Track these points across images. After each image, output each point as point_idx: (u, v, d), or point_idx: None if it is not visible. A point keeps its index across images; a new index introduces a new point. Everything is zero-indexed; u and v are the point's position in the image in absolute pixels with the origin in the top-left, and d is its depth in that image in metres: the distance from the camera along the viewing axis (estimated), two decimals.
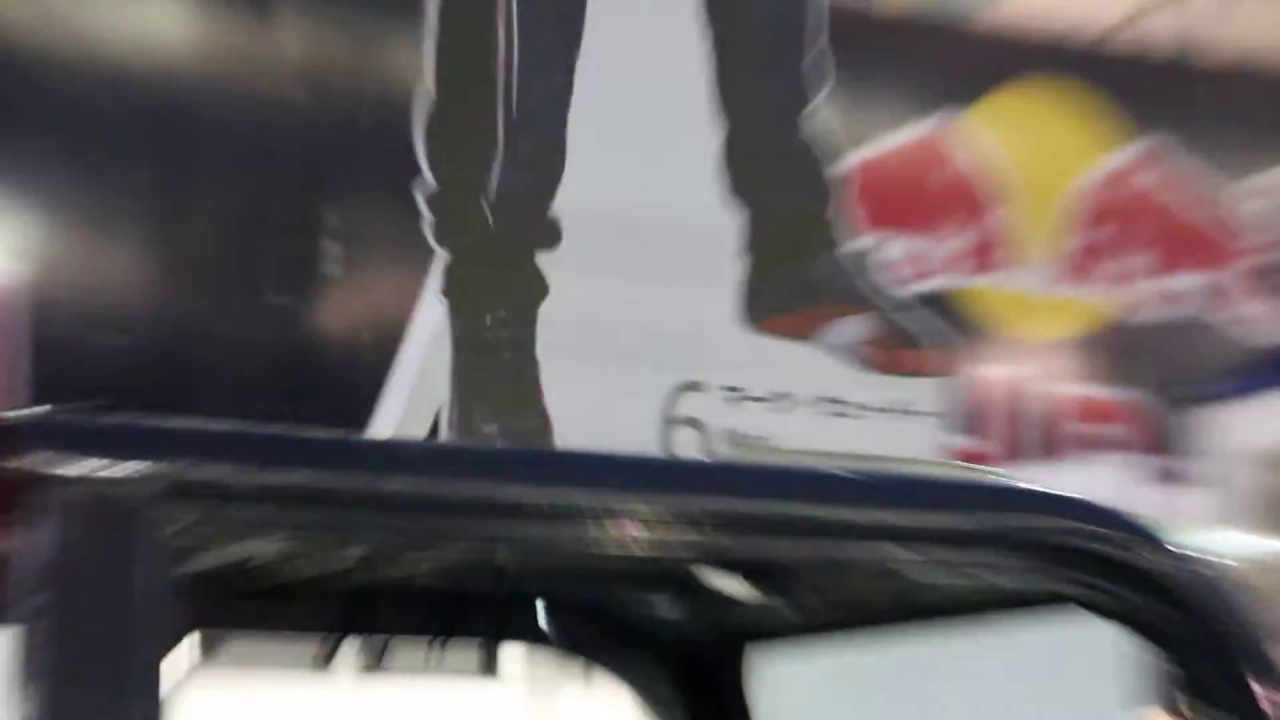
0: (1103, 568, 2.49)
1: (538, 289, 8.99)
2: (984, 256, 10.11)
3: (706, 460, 8.04)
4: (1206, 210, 10.43)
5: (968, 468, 9.03)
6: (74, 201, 8.79)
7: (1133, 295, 10.15)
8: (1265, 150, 10.49)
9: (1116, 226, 10.12)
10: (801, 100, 9.42)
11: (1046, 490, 2.65)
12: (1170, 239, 10.40)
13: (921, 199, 9.82)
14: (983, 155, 9.83)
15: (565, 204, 9.00)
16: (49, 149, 8.84)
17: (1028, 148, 10.15)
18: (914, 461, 8.15)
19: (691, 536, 2.36)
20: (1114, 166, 10.16)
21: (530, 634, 3.38)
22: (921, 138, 9.72)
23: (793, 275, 9.66)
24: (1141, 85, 10.51)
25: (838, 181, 9.43)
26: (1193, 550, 2.49)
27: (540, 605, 3.30)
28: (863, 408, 9.44)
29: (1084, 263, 9.99)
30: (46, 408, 2.04)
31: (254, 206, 9.11)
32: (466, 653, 5.58)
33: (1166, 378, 9.85)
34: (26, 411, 1.99)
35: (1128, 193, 10.20)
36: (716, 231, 9.35)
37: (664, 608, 3.23)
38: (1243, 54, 10.90)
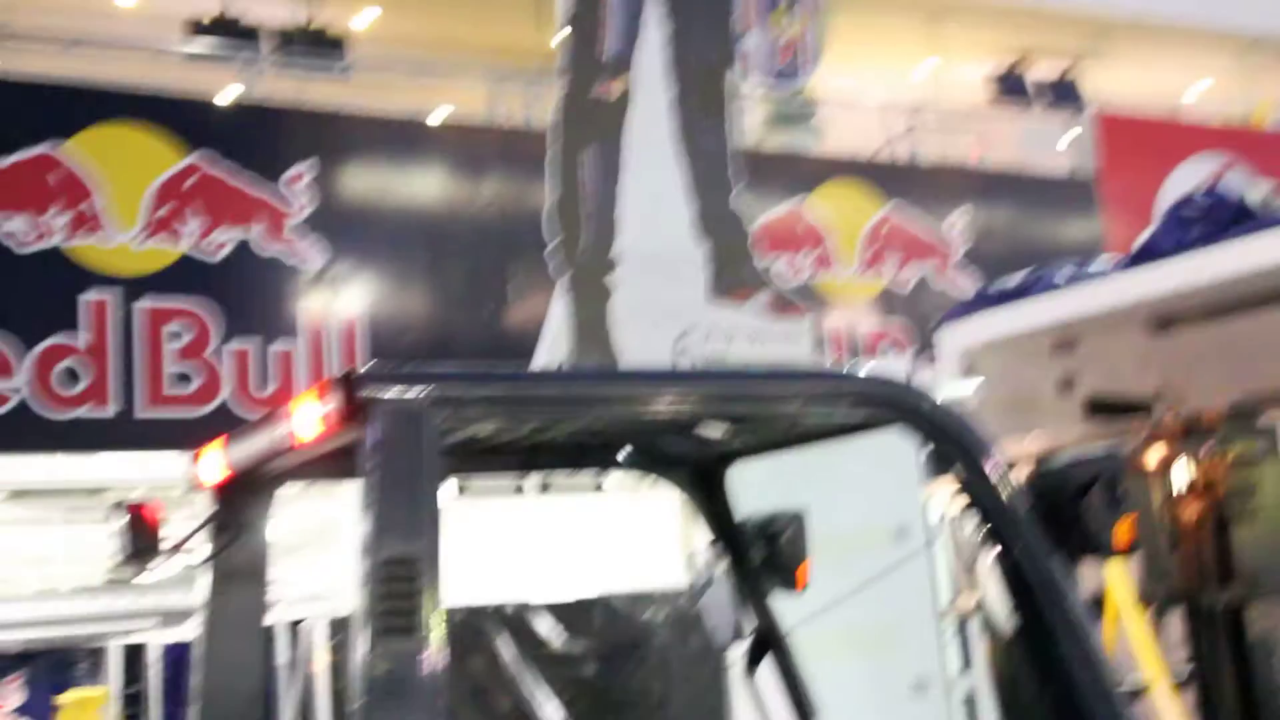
0: (898, 407, 3.61)
1: (606, 293, 13.61)
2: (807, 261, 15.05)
3: (693, 370, 10.50)
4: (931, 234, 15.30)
5: (829, 365, 13.53)
6: (391, 271, 13.24)
7: (894, 277, 15.38)
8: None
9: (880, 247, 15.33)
10: (729, 188, 14.21)
11: (868, 372, 4.07)
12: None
13: (790, 239, 14.69)
14: (816, 219, 14.92)
15: (619, 248, 13.76)
16: (380, 247, 13.25)
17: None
18: (799, 363, 13.21)
19: (690, 409, 3.66)
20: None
21: (619, 465, 4.43)
22: (789, 210, 14.80)
23: (732, 274, 14.28)
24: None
25: (752, 230, 14.40)
26: (934, 396, 3.63)
27: (623, 450, 4.34)
28: (763, 337, 14.13)
29: (873, 260, 15.15)
30: (374, 364, 3.17)
31: (479, 270, 13.55)
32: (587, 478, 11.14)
33: (921, 314, 14.31)
34: (366, 367, 3.00)
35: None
36: (694, 255, 14.11)
37: (682, 445, 4.24)
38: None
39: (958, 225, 15.59)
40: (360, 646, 2.71)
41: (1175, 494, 3.61)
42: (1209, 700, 3.82)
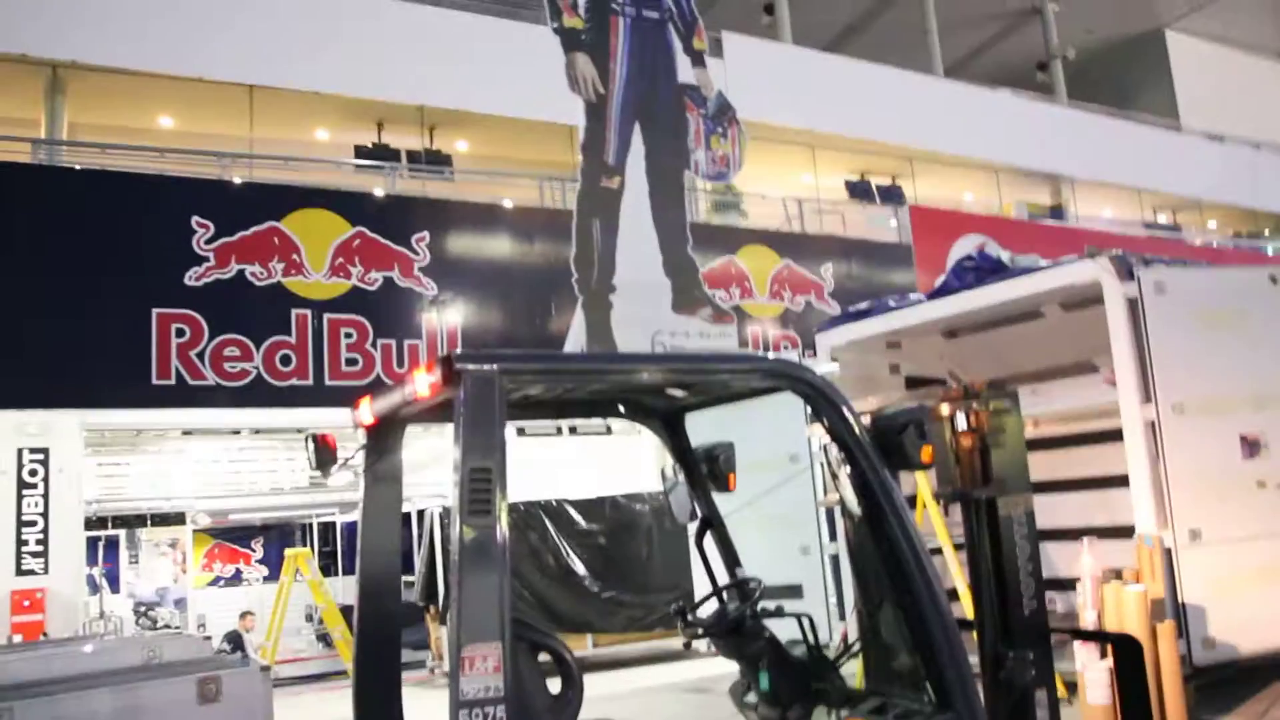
0: (793, 378, 3.41)
1: (608, 308, 13.65)
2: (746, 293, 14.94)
3: (663, 354, 11.95)
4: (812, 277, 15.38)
5: (746, 351, 13.73)
6: (476, 298, 13.06)
7: (789, 301, 15.18)
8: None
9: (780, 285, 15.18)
10: (686, 243, 14.31)
11: (774, 358, 4.48)
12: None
13: (725, 279, 14.64)
14: (742, 267, 14.80)
15: (616, 280, 13.84)
16: (470, 282, 13.04)
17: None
18: (731, 351, 13.46)
19: (662, 378, 3.50)
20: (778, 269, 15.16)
21: (619, 414, 4.15)
22: (725, 261, 14.72)
23: (686, 297, 14.25)
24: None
25: (700, 271, 14.42)
26: (816, 371, 3.51)
27: (622, 405, 4.10)
28: (708, 335, 14.32)
29: (776, 292, 14.99)
30: (463, 350, 2.98)
31: (530, 296, 13.44)
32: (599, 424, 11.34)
33: (806, 325, 14.29)
34: (458, 351, 2.87)
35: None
36: (664, 284, 14.14)
37: (657, 402, 4.02)
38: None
39: (829, 271, 15.58)
40: (458, 523, 2.70)
41: (957, 431, 3.55)
42: (975, 560, 3.70)
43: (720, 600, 3.84)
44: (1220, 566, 7.44)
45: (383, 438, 3.52)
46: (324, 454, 3.45)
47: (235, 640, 12.05)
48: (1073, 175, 20.64)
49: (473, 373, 2.75)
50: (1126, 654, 3.63)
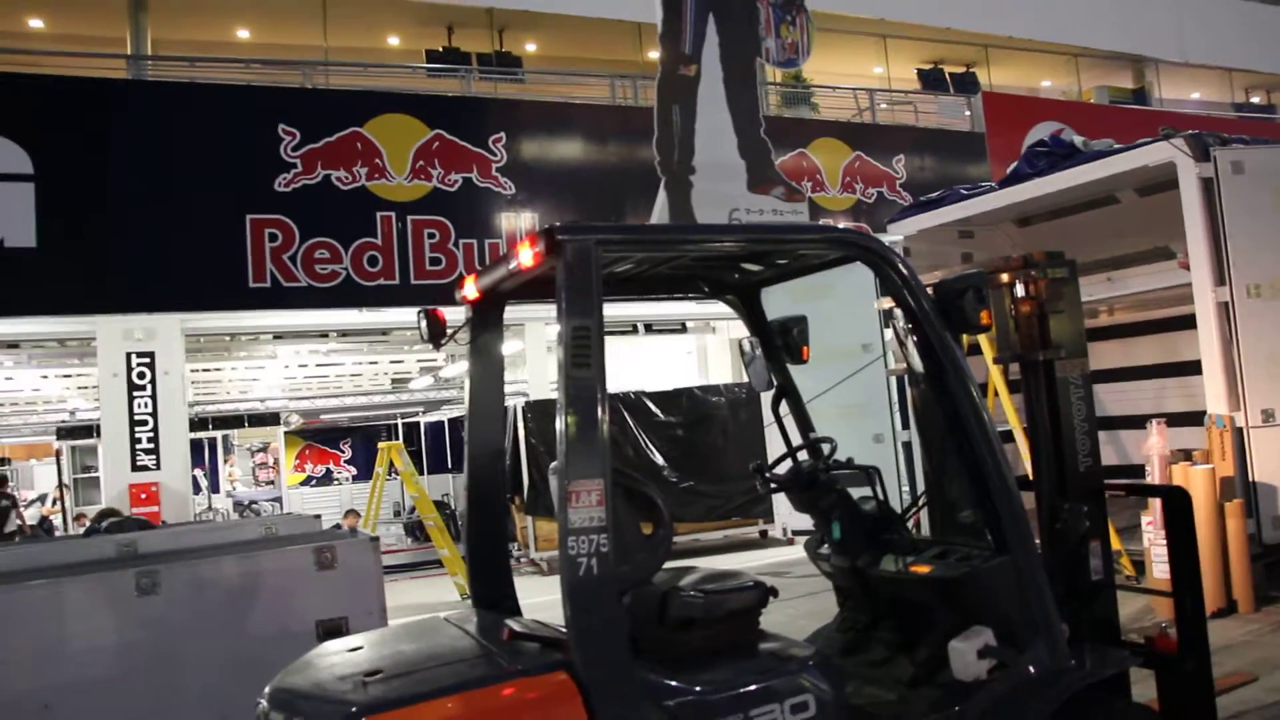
0: (862, 247, 3.44)
1: (689, 188, 13.35)
2: None
3: (740, 224, 11.12)
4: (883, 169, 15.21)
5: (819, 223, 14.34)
6: (553, 192, 12.99)
7: (860, 193, 15.15)
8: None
9: (852, 178, 15.13)
10: (759, 126, 13.90)
11: (841, 226, 6.56)
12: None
13: (798, 173, 14.53)
14: (813, 160, 14.82)
15: (696, 162, 13.31)
16: (547, 178, 13.08)
17: None
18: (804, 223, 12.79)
19: (740, 248, 3.56)
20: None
21: (701, 291, 4.20)
22: (797, 154, 14.58)
23: (760, 176, 13.97)
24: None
25: (771, 153, 14.22)
26: (883, 243, 3.49)
27: (702, 282, 4.15)
28: (781, 212, 13.78)
29: (848, 185, 14.94)
30: (564, 222, 2.94)
31: (608, 186, 13.36)
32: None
33: (878, 217, 13.90)
34: (560, 224, 2.90)
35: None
36: (739, 164, 13.55)
37: (734, 277, 4.10)
38: None
39: (900, 163, 15.39)
40: (561, 374, 2.86)
41: (1017, 299, 3.63)
42: (1033, 420, 3.77)
43: (794, 460, 4.04)
44: None
45: (486, 313, 3.66)
46: (434, 326, 3.61)
47: None
48: (1155, 56, 19.96)
49: (572, 242, 2.88)
50: (1174, 506, 3.75)
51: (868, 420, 9.71)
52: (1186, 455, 7.70)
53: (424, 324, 3.61)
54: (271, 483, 25.26)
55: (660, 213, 13.14)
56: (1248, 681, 5.42)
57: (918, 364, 3.50)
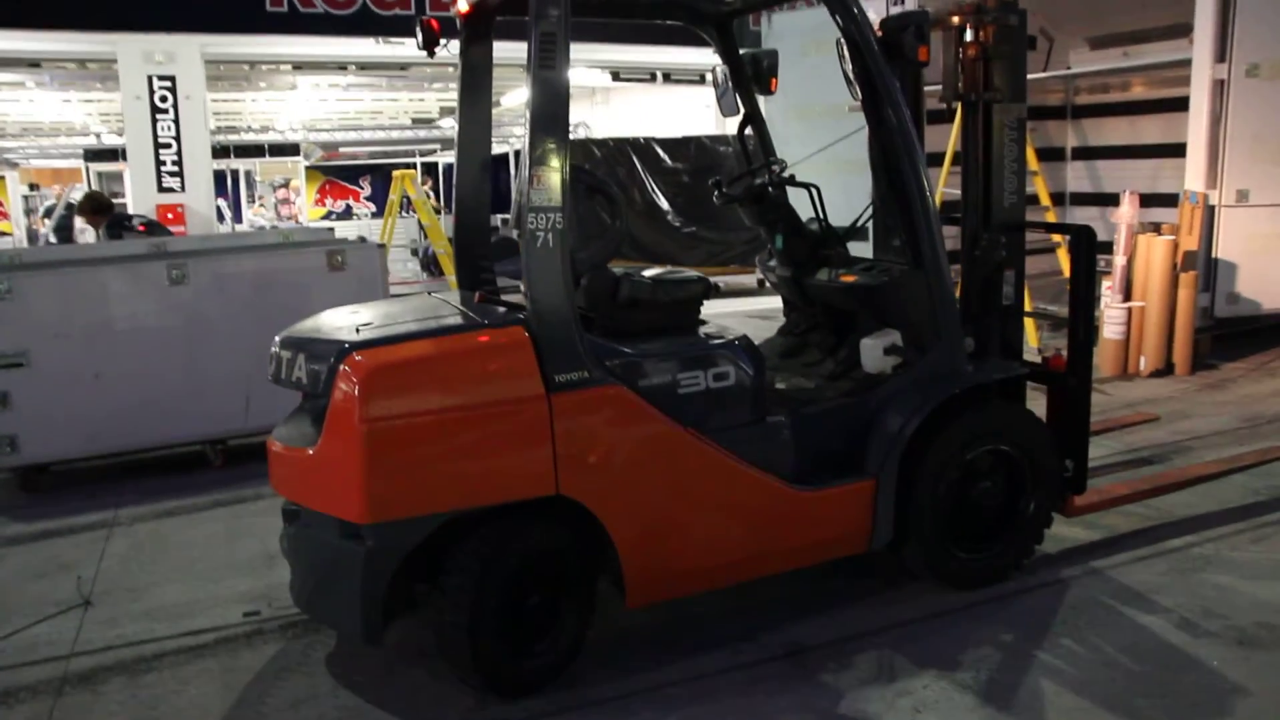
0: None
1: None
2: None
3: None
4: None
5: None
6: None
7: None
8: None
9: None
10: None
11: None
12: None
13: None
14: None
15: None
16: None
17: None
18: None
19: None
20: None
21: (679, 18, 4.36)
22: None
23: None
24: None
25: None
26: None
27: (680, 10, 4.31)
28: None
29: None
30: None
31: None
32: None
33: None
34: None
35: None
36: None
37: (710, 6, 4.26)
38: None
39: None
40: (529, 74, 3.07)
41: (965, 42, 3.84)
42: (967, 157, 4.03)
43: (751, 177, 4.39)
44: (1261, 227, 7.79)
45: (475, 25, 3.90)
46: (429, 35, 3.87)
47: None
48: None
49: None
50: (1079, 243, 4.12)
51: (863, 177, 9.90)
52: (1156, 228, 8.05)
53: (420, 33, 3.89)
54: (293, 218, 25.88)
55: None
56: (1150, 420, 6.03)
57: (858, 95, 3.79)
